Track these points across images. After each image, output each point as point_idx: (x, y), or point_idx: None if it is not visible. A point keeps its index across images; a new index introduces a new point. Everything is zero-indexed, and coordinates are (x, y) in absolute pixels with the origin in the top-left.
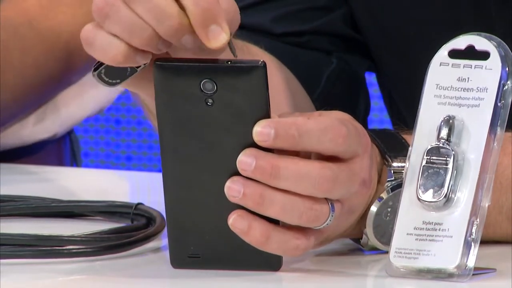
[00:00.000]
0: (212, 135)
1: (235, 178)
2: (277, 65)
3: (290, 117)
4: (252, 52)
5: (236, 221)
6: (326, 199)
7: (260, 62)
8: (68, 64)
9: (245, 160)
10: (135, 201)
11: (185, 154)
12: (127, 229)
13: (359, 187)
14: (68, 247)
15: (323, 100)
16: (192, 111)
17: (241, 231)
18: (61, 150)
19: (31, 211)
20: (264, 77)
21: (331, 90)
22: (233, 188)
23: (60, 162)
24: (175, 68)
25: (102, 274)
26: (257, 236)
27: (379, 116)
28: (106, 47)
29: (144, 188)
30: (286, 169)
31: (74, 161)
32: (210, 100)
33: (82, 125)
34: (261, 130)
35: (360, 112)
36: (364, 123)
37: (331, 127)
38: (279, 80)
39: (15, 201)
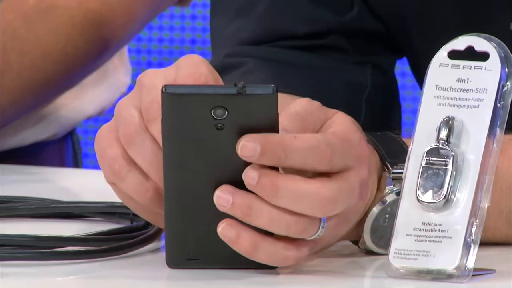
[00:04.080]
0: (219, 155)
1: (223, 187)
2: None
3: (276, 134)
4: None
5: (224, 230)
6: None
7: (272, 89)
8: (66, 67)
9: (250, 174)
10: None
11: (188, 171)
12: (127, 230)
13: (357, 201)
14: (67, 248)
15: (367, 121)
16: (201, 135)
17: (230, 239)
18: (63, 151)
19: (31, 212)
20: (275, 103)
21: (371, 111)
22: (222, 197)
23: (62, 163)
24: (185, 96)
25: (101, 275)
26: (245, 245)
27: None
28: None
29: None
30: (286, 188)
31: (75, 162)
32: (220, 125)
33: (81, 126)
34: (246, 144)
35: (395, 118)
36: (399, 125)
37: (316, 148)
38: None
39: (14, 202)
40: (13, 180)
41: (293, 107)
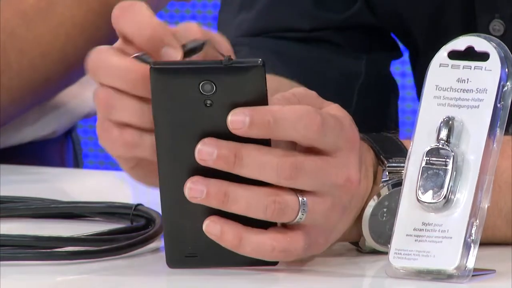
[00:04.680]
0: (210, 135)
1: (194, 178)
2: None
3: (264, 106)
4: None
5: (209, 227)
6: (295, 192)
7: (259, 61)
8: (66, 66)
9: (206, 149)
10: (135, 202)
11: (182, 155)
12: (127, 230)
13: (344, 182)
14: (67, 248)
15: (358, 113)
16: (191, 112)
17: (215, 236)
18: (63, 151)
19: (31, 212)
20: (263, 76)
21: (363, 104)
22: (195, 189)
23: (63, 164)
24: (172, 71)
25: (101, 275)
26: (230, 239)
27: None
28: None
29: (143, 189)
30: (249, 156)
31: (76, 162)
32: (209, 101)
33: (81, 126)
34: (235, 119)
35: (391, 116)
36: (396, 124)
37: (306, 115)
38: None
39: (14, 202)
40: (13, 180)
41: (289, 91)
